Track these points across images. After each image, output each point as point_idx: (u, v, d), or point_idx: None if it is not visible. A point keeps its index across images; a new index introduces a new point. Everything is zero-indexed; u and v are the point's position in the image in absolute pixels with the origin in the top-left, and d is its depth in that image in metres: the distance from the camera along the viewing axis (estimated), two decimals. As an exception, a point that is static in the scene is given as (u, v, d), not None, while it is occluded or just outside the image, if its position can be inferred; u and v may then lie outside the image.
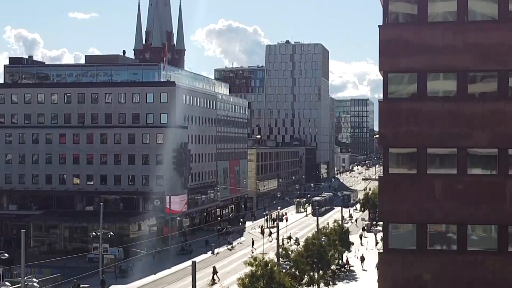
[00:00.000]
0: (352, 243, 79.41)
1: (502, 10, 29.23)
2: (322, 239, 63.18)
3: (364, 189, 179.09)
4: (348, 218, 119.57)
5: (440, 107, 29.77)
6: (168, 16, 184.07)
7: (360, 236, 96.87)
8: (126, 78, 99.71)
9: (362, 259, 77.56)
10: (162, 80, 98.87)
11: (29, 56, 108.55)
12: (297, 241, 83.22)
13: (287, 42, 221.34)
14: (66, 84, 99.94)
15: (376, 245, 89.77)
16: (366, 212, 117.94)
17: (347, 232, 77.87)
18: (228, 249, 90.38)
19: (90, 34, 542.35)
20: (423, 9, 29.69)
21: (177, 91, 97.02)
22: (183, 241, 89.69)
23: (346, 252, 77.09)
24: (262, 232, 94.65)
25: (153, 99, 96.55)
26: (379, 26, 30.09)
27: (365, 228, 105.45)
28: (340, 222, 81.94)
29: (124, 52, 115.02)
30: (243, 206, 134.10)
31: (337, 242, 68.52)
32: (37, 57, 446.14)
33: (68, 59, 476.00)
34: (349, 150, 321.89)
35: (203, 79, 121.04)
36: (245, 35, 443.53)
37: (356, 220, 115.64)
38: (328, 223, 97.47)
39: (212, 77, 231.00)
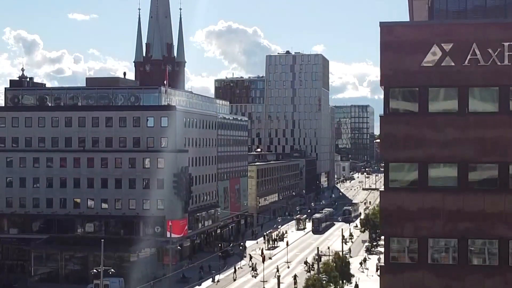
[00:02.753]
0: (353, 275, 79.49)
1: (503, 102, 29.41)
2: (323, 278, 63.21)
3: (365, 203, 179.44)
4: (348, 237, 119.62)
5: (441, 197, 29.86)
6: (168, 28, 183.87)
7: (365, 259, 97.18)
8: (126, 102, 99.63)
9: (356, 287, 77.98)
10: (162, 103, 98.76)
11: (29, 78, 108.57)
12: (313, 267, 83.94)
13: (287, 52, 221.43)
14: (67, 107, 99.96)
15: (377, 271, 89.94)
16: (367, 232, 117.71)
17: (347, 264, 77.96)
18: (252, 275, 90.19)
19: (90, 35, 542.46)
20: (424, 106, 29.88)
21: (177, 115, 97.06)
22: (201, 268, 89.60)
23: (347, 284, 77.16)
24: (263, 259, 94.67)
25: (154, 123, 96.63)
26: (380, 116, 30.27)
27: (367, 250, 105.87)
28: (340, 254, 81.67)
29: (124, 74, 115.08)
30: (243, 222, 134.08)
31: (338, 278, 68.56)
32: (37, 58, 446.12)
33: (68, 60, 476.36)
34: (349, 156, 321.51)
35: (204, 99, 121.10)
36: (245, 36, 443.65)
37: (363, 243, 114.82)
38: (328, 248, 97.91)
39: (212, 84, 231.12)
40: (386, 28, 30.17)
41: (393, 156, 30.37)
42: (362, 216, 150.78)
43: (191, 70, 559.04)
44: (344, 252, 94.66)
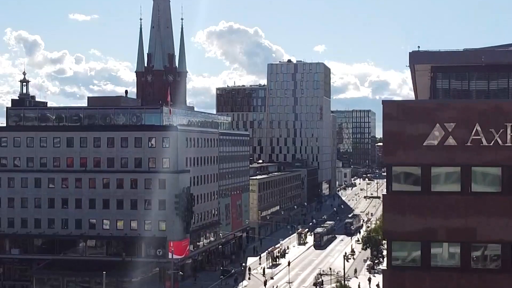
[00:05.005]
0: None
1: (506, 183, 29.43)
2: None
3: (366, 214, 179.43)
4: (350, 254, 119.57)
5: (443, 277, 29.82)
6: (170, 38, 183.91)
7: (369, 280, 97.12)
8: (128, 121, 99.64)
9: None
10: (164, 123, 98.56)
11: (31, 96, 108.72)
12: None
13: (289, 61, 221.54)
14: (68, 127, 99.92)
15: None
16: (369, 250, 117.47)
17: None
18: None
19: (91, 35, 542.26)
20: (426, 185, 29.88)
21: (179, 135, 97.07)
22: None
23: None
24: (265, 283, 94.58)
25: (155, 144, 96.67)
26: (383, 194, 30.25)
27: (370, 270, 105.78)
28: (342, 281, 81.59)
29: (126, 92, 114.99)
30: (245, 235, 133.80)
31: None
32: (38, 58, 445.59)
33: (69, 61, 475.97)
34: (351, 161, 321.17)
35: (205, 116, 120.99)
36: (246, 37, 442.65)
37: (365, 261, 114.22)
38: (330, 269, 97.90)
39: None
40: (389, 106, 30.19)
41: (395, 234, 30.38)
42: (363, 228, 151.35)
43: (192, 71, 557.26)
44: (346, 274, 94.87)
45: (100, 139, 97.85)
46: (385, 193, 30.70)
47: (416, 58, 32.21)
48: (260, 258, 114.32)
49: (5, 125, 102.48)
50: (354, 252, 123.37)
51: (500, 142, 29.50)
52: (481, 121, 29.57)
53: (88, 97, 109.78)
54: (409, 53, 31.89)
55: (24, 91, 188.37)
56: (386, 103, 30.16)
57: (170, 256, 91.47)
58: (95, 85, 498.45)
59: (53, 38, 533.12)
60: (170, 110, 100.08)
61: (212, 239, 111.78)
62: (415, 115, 30.18)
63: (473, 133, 29.63)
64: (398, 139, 30.24)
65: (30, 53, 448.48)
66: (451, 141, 29.76)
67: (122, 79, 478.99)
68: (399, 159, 30.25)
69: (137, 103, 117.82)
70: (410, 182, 30.75)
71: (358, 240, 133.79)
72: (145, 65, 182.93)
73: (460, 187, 29.99)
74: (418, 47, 30.37)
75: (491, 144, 29.61)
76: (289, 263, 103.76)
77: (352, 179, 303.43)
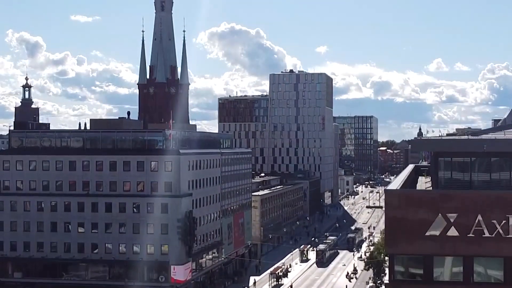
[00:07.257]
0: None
1: (508, 273, 29.42)
2: None
3: (368, 227, 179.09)
4: (352, 273, 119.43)
5: None
6: (172, 50, 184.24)
7: None
8: (130, 145, 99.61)
9: None
10: (167, 146, 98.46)
11: (33, 118, 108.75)
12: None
13: (291, 71, 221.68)
14: (71, 150, 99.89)
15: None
16: (371, 270, 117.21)
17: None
18: None
19: (92, 36, 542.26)
20: (428, 274, 29.87)
21: (181, 159, 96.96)
22: None
23: None
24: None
25: (158, 168, 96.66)
26: (385, 283, 30.23)
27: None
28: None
29: (128, 113, 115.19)
30: (247, 252, 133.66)
31: None
32: (40, 59, 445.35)
33: (71, 62, 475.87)
34: (353, 166, 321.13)
35: (207, 135, 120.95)
36: (248, 38, 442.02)
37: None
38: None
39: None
40: (391, 195, 30.21)
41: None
42: (366, 243, 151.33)
43: (194, 72, 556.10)
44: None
45: (102, 162, 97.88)
46: (388, 282, 30.73)
47: (418, 147, 32.23)
48: (255, 283, 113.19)
49: (8, 142, 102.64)
50: (357, 271, 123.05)
51: (502, 233, 29.53)
52: (483, 212, 29.60)
53: (90, 119, 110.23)
54: (410, 141, 31.90)
55: (27, 96, 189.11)
56: (388, 192, 30.21)
57: (172, 281, 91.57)
58: (97, 86, 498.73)
59: (55, 40, 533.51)
60: (170, 134, 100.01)
61: (215, 255, 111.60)
62: (417, 205, 30.21)
63: (475, 224, 29.67)
64: (400, 229, 30.26)
65: (32, 55, 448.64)
66: (453, 231, 29.81)
67: (124, 80, 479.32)
68: (401, 249, 30.27)
69: (139, 124, 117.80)
70: (412, 271, 30.75)
71: (361, 257, 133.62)
72: (148, 77, 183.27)
73: (462, 277, 30.01)
74: (421, 133, 30.29)
75: (493, 235, 29.64)
76: (291, 286, 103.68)
77: (355, 186, 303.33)
